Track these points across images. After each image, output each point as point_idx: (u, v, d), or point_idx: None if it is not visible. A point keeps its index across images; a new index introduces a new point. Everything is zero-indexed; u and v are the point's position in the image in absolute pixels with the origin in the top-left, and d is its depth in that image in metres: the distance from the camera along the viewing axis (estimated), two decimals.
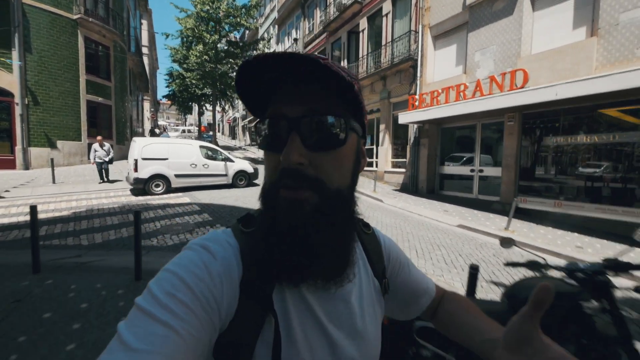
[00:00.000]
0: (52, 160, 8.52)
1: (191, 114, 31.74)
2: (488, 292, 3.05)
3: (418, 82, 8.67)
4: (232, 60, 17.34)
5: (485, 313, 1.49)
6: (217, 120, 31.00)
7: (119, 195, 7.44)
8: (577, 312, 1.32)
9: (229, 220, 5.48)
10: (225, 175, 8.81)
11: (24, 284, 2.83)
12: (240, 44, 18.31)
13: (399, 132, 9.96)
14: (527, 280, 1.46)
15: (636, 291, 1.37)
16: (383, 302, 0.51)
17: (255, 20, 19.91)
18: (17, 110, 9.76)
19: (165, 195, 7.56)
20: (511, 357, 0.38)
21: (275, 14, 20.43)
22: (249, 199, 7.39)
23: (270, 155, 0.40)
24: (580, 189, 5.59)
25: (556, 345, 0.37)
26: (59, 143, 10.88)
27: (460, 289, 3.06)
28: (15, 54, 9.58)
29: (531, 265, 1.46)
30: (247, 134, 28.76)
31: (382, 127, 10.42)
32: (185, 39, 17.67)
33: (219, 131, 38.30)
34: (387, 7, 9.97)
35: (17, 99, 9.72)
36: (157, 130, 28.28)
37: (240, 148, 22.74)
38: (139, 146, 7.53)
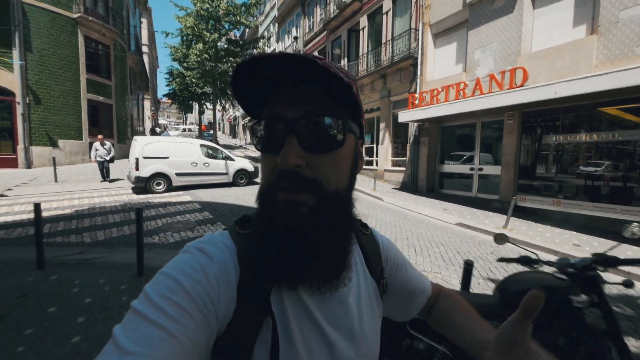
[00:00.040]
0: (54, 159, 8.57)
1: (192, 112, 31.76)
2: (485, 288, 3.09)
3: (418, 80, 8.67)
4: (232, 59, 17.32)
5: (478, 306, 1.53)
6: (218, 119, 31.03)
7: (120, 193, 7.49)
8: (567, 306, 1.35)
9: (229, 218, 5.52)
10: (226, 173, 8.86)
11: (29, 279, 2.89)
12: (241, 43, 18.30)
13: (399, 131, 9.97)
14: (518, 275, 1.50)
15: (625, 285, 1.41)
16: (381, 302, 0.51)
17: (255, 18, 19.86)
18: (19, 110, 9.81)
19: (166, 194, 7.61)
20: (501, 359, 0.39)
21: (275, 12, 20.39)
22: (249, 197, 7.44)
23: (267, 157, 0.40)
24: (580, 187, 5.61)
25: (545, 351, 0.38)
26: (61, 142, 10.93)
27: (458, 285, 3.10)
28: (15, 53, 9.62)
29: (523, 260, 1.50)
30: (247, 132, 28.82)
31: (382, 125, 10.43)
32: (185, 38, 17.66)
33: (219, 130, 38.32)
34: (387, 4, 9.95)
35: (18, 98, 9.76)
36: (157, 129, 28.33)
37: (240, 147, 22.78)
38: (140, 145, 7.58)
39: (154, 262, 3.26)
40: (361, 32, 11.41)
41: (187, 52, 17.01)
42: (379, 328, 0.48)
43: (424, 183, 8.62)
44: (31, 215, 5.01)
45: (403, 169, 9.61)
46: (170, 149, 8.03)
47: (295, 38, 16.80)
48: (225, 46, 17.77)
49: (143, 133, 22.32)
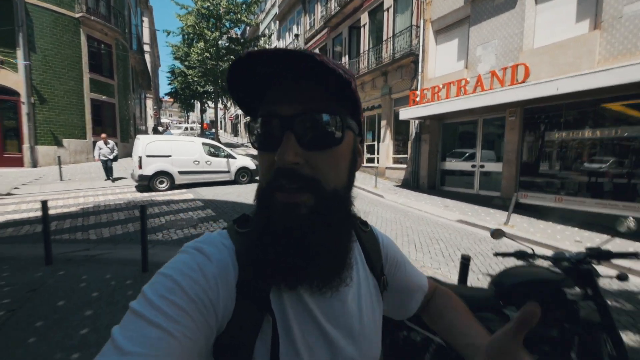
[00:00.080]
0: (59, 158, 8.69)
1: (193, 111, 31.88)
2: (484, 283, 3.12)
3: (419, 77, 8.65)
4: (233, 57, 17.33)
5: (474, 298, 1.57)
6: (219, 117, 31.12)
7: (124, 191, 7.59)
8: (561, 298, 1.38)
9: (231, 215, 5.59)
10: (228, 171, 8.93)
11: (37, 274, 2.97)
12: (241, 41, 18.31)
13: (400, 128, 9.96)
14: (513, 269, 1.54)
15: (618, 279, 1.43)
16: (382, 299, 0.51)
17: (255, 16, 19.83)
18: (24, 109, 9.92)
19: (169, 192, 7.70)
20: None
21: (276, 10, 20.33)
22: (251, 195, 7.40)
23: (264, 155, 0.39)
24: (582, 184, 5.59)
25: None
26: (65, 141, 11.06)
27: (457, 280, 3.13)
28: (20, 53, 9.71)
29: (519, 255, 1.52)
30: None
31: (383, 123, 10.43)
32: (186, 36, 17.70)
33: (221, 128, 38.44)
34: (388, 1, 9.90)
35: (23, 98, 9.87)
36: (160, 128, 28.49)
37: (242, 145, 22.85)
38: (143, 144, 7.66)
39: (158, 258, 3.33)
40: (362, 29, 11.37)
41: (189, 51, 17.05)
42: (379, 325, 0.48)
43: (425, 180, 8.63)
44: (38, 213, 5.12)
45: (404, 166, 9.62)
46: (173, 147, 8.11)
47: (296, 35, 16.77)
48: (227, 44, 17.79)
49: (146, 132, 22.45)
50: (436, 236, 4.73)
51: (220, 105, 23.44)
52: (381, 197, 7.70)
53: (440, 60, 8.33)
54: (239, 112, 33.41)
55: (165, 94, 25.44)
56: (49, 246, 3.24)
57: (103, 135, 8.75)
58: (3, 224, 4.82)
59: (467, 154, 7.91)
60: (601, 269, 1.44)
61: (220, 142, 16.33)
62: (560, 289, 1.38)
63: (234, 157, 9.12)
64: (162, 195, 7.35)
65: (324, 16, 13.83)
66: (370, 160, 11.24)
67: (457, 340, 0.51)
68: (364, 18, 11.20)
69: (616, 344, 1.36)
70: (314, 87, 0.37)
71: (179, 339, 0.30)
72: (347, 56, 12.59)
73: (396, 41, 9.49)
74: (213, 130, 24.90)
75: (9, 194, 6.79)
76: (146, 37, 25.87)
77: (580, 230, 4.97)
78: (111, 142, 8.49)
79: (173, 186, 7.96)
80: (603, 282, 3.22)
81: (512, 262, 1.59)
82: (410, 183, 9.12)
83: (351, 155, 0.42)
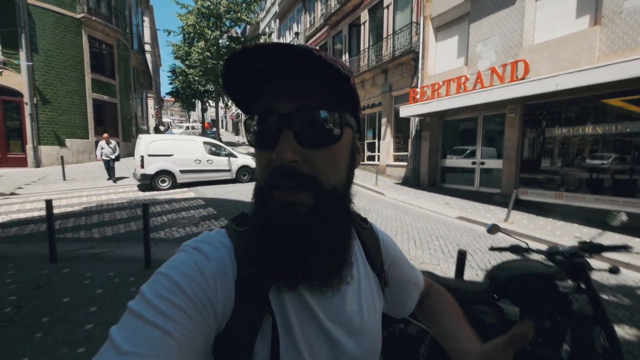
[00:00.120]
0: (62, 158, 8.77)
1: (194, 110, 31.95)
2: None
3: (419, 74, 8.63)
4: None
5: (469, 292, 1.60)
6: (220, 116, 31.19)
7: (126, 191, 7.66)
8: (554, 291, 1.41)
9: (233, 213, 5.64)
10: (229, 170, 8.97)
11: (43, 272, 3.03)
12: (242, 39, 18.30)
13: (400, 126, 9.96)
14: (508, 263, 1.56)
15: (610, 272, 1.46)
16: (382, 296, 0.50)
17: (256, 15, 19.82)
18: (27, 110, 10.01)
19: (171, 191, 7.76)
20: None
21: (276, 8, 20.29)
22: (252, 193, 7.55)
23: (262, 153, 0.39)
24: (582, 180, 5.58)
25: None
26: (68, 141, 11.15)
27: (454, 275, 3.16)
28: (22, 54, 9.78)
29: (514, 249, 1.55)
30: None
31: (383, 120, 10.42)
32: (187, 36, 17.73)
33: (222, 127, 38.52)
34: None
35: (26, 99, 9.96)
36: (161, 128, 28.60)
37: (243, 144, 22.89)
38: (145, 143, 7.71)
39: (161, 255, 3.38)
40: (362, 26, 11.34)
41: (189, 50, 17.09)
42: (380, 322, 0.48)
43: (426, 177, 8.63)
44: (42, 213, 5.19)
45: (405, 163, 9.62)
46: (174, 146, 8.16)
47: (297, 34, 16.75)
48: (227, 43, 17.79)
49: (147, 131, 22.56)
50: (436, 233, 4.75)
51: (221, 104, 23.49)
52: (382, 195, 7.72)
53: (440, 58, 8.30)
54: (240, 111, 33.25)
55: (167, 94, 25.53)
56: (54, 245, 3.30)
57: (105, 135, 8.80)
58: (8, 223, 4.89)
59: (467, 151, 7.90)
60: (595, 262, 1.46)
61: (221, 141, 16.39)
62: (553, 282, 1.41)
63: (235, 156, 9.16)
64: (164, 194, 7.41)
65: (324, 14, 13.79)
66: (371, 158, 11.24)
67: (447, 342, 0.52)
68: (364, 15, 11.17)
69: (609, 336, 1.38)
70: (311, 83, 0.36)
71: (178, 339, 0.30)
72: (347, 54, 12.56)
73: (396, 38, 9.46)
74: (214, 129, 24.96)
75: (13, 193, 6.87)
76: (147, 37, 25.93)
77: (580, 226, 4.98)
78: (113, 142, 8.54)
79: (175, 185, 8.02)
80: (600, 277, 3.26)
81: (510, 257, 1.62)
82: (411, 180, 9.13)
83: (350, 152, 0.41)
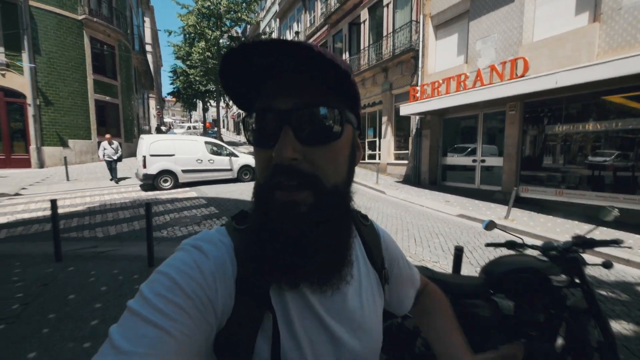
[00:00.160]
0: (65, 158, 8.86)
1: (196, 110, 32.04)
2: None
3: (419, 73, 8.63)
4: None
5: (465, 287, 1.63)
6: (222, 116, 31.27)
7: (129, 191, 7.73)
8: (547, 285, 1.44)
9: (234, 212, 5.65)
10: (230, 169, 9.02)
11: (48, 270, 3.09)
12: (242, 39, 18.34)
13: (401, 124, 9.97)
14: (503, 258, 1.59)
15: (604, 266, 1.48)
16: (383, 293, 0.50)
17: (256, 14, 19.83)
18: (30, 111, 10.10)
19: (173, 190, 7.82)
20: None
21: (276, 7, 20.29)
22: (252, 192, 7.60)
23: (261, 152, 0.38)
24: (582, 177, 5.58)
25: None
26: (71, 142, 11.24)
27: (451, 270, 3.19)
28: (25, 56, 9.87)
29: (509, 244, 1.58)
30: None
31: (384, 119, 10.43)
32: (187, 36, 17.79)
33: (223, 127, 38.61)
34: None
35: (29, 100, 10.05)
36: (163, 128, 28.72)
37: (244, 143, 22.96)
38: (147, 143, 7.78)
39: (163, 254, 3.43)
40: (362, 25, 11.34)
41: (190, 50, 17.15)
42: (380, 319, 0.48)
43: (427, 176, 8.64)
44: (46, 213, 5.27)
45: (406, 162, 9.64)
46: (176, 146, 8.21)
47: (297, 33, 16.75)
48: (228, 43, 17.84)
49: (149, 131, 22.67)
50: (436, 230, 4.78)
51: (222, 104, 23.56)
52: (382, 193, 7.74)
53: (440, 56, 8.30)
54: (242, 113, 33.28)
55: (168, 94, 25.61)
56: (59, 243, 3.36)
57: (107, 135, 8.86)
58: (13, 223, 4.96)
59: (468, 149, 7.90)
60: (595, 258, 1.49)
61: (222, 140, 16.46)
62: (547, 277, 1.44)
63: (236, 155, 9.21)
64: (166, 193, 7.47)
65: (324, 13, 13.79)
66: (372, 157, 11.26)
67: (436, 345, 0.53)
68: (364, 14, 11.16)
69: (603, 330, 1.41)
70: (311, 80, 0.36)
71: (177, 337, 0.30)
72: (347, 53, 12.57)
73: (396, 37, 9.46)
74: (215, 129, 25.04)
75: (17, 194, 6.96)
76: (148, 37, 26.02)
77: (580, 223, 4.99)
78: (115, 143, 8.58)
79: (177, 185, 8.08)
80: (599, 273, 3.28)
81: (507, 253, 1.65)
82: (412, 179, 9.15)
83: (350, 149, 0.41)
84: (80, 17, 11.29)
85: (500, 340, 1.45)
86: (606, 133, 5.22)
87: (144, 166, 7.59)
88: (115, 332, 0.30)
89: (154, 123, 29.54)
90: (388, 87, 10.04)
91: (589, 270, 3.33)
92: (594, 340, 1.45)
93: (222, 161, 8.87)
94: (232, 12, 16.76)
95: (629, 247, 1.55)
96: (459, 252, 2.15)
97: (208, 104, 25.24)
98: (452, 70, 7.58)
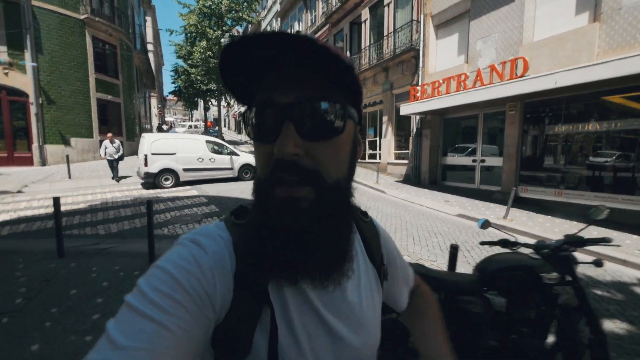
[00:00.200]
0: (67, 156, 8.93)
1: (197, 109, 32.12)
2: None
3: (420, 72, 8.64)
4: None
5: (459, 284, 1.66)
6: (223, 115, 31.34)
7: (130, 189, 7.78)
8: (539, 283, 1.46)
9: None
10: (231, 168, 9.06)
11: (51, 266, 3.14)
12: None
13: (401, 124, 9.98)
14: (496, 256, 1.62)
15: (595, 265, 1.51)
16: (381, 289, 0.50)
17: (257, 14, 19.85)
18: (32, 110, 10.17)
19: (174, 189, 7.87)
20: None
21: (277, 7, 20.31)
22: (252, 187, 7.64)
23: (261, 147, 0.37)
24: (582, 177, 5.59)
25: None
26: (73, 140, 11.32)
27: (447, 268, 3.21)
28: (27, 55, 9.93)
29: (503, 243, 1.60)
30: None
31: (385, 119, 10.45)
32: (188, 35, 17.85)
33: (224, 126, 38.68)
34: None
35: (31, 99, 10.12)
36: (164, 127, 28.81)
37: (245, 142, 23.01)
38: (148, 142, 7.83)
39: (164, 251, 3.39)
40: (363, 24, 11.35)
41: (191, 50, 17.21)
42: (379, 315, 0.48)
43: (427, 175, 8.66)
44: (49, 210, 5.32)
45: (406, 161, 9.65)
46: (178, 145, 8.26)
47: (298, 32, 16.75)
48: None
49: (151, 130, 22.76)
50: (435, 230, 4.80)
51: (223, 103, 23.62)
52: (382, 193, 7.77)
53: (440, 55, 8.31)
54: (242, 109, 33.38)
55: (169, 93, 25.69)
56: (61, 240, 3.41)
57: (109, 134, 8.90)
58: (16, 220, 5.02)
59: (469, 149, 7.91)
60: (591, 257, 1.51)
61: (223, 139, 16.51)
62: (539, 274, 1.46)
63: (237, 154, 9.25)
64: (167, 192, 7.52)
65: (325, 12, 13.81)
66: (372, 156, 11.28)
67: (421, 346, 0.55)
68: (365, 14, 11.17)
69: (593, 327, 1.43)
70: (313, 73, 0.35)
71: (174, 332, 0.30)
72: (348, 52, 12.57)
73: (397, 36, 9.47)
74: (217, 128, 25.11)
75: (20, 191, 7.02)
76: (149, 37, 26.08)
77: (579, 223, 4.99)
78: (117, 142, 8.62)
79: (178, 183, 8.12)
80: (595, 273, 3.29)
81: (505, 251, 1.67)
82: (412, 178, 9.16)
83: (352, 144, 0.40)
84: (82, 17, 11.34)
85: (492, 337, 1.48)
86: (606, 134, 5.22)
87: (146, 164, 7.64)
88: (113, 327, 0.29)
89: (155, 122, 29.63)
90: (389, 87, 10.05)
91: (586, 270, 3.37)
92: (585, 337, 1.48)
93: (223, 160, 8.92)
94: (233, 12, 16.80)
95: (618, 245, 1.57)
96: (454, 251, 2.19)
97: (209, 103, 25.31)
98: (452, 70, 7.59)
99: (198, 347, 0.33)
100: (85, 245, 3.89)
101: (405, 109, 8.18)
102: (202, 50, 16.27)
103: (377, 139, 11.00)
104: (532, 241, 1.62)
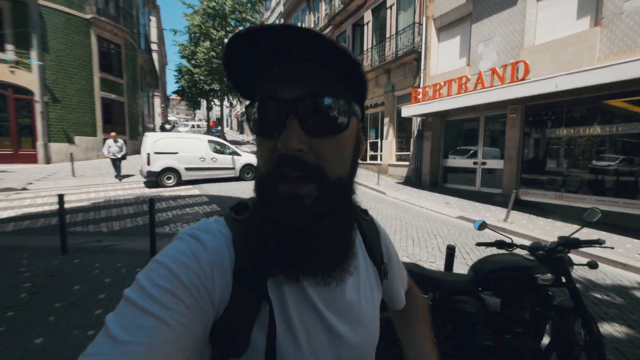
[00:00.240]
0: (71, 154, 9.03)
1: (200, 109, 32.29)
2: None
3: (422, 74, 8.67)
4: None
5: (453, 283, 1.69)
6: (225, 115, 31.48)
7: (133, 187, 7.85)
8: (533, 283, 1.48)
9: None
10: (233, 168, 9.12)
11: (55, 262, 3.20)
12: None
13: (403, 126, 10.00)
14: (491, 257, 1.64)
15: (589, 266, 1.53)
16: (381, 287, 0.50)
17: (261, 15, 19.97)
18: (38, 108, 10.29)
19: (176, 188, 7.93)
20: None
21: (280, 8, 20.43)
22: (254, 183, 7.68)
23: (264, 142, 0.37)
24: (583, 181, 5.59)
25: None
26: (77, 138, 11.43)
27: (444, 268, 3.23)
28: (33, 54, 10.06)
29: (498, 244, 1.62)
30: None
31: (386, 120, 10.47)
32: (192, 35, 17.98)
33: (227, 126, 38.82)
34: None
35: (37, 97, 10.24)
36: (167, 126, 28.97)
37: (247, 142, 23.10)
38: (151, 141, 7.90)
39: None
40: (365, 26, 11.40)
41: (195, 50, 17.33)
42: (378, 313, 0.48)
43: (428, 177, 8.67)
44: (53, 207, 5.39)
45: (407, 163, 9.67)
46: (180, 144, 8.33)
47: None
48: None
49: (154, 129, 22.89)
50: (434, 232, 4.82)
51: (226, 103, 23.73)
52: (383, 194, 7.78)
53: (442, 58, 8.33)
54: (245, 110, 33.40)
55: (173, 92, 25.84)
56: (65, 237, 3.46)
57: (113, 133, 8.98)
58: (20, 216, 5.09)
59: (471, 152, 7.92)
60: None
61: (225, 139, 16.58)
62: (533, 275, 1.48)
63: (238, 154, 9.31)
64: (169, 190, 7.58)
65: (328, 14, 13.87)
66: (373, 158, 11.31)
67: (408, 349, 0.56)
68: (368, 16, 11.22)
69: (588, 329, 1.45)
70: (318, 69, 0.35)
71: (173, 327, 0.30)
72: None
73: (399, 39, 9.51)
74: (219, 127, 25.23)
75: (24, 189, 7.11)
76: (154, 36, 26.26)
77: (577, 227, 4.99)
78: (120, 141, 8.67)
79: (180, 182, 8.19)
80: (596, 277, 3.30)
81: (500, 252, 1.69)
82: (413, 180, 9.17)
83: (355, 141, 0.40)
84: (88, 17, 11.48)
85: (487, 337, 1.50)
86: (608, 137, 5.22)
87: (148, 163, 7.71)
88: (112, 321, 0.29)
89: (158, 121, 29.78)
90: (390, 89, 10.08)
91: (586, 274, 3.37)
92: (582, 339, 1.49)
93: (224, 160, 8.98)
94: (237, 12, 16.91)
95: (611, 247, 1.59)
96: (450, 251, 2.21)
97: (212, 103, 25.44)
98: (453, 72, 7.61)
99: (197, 342, 0.33)
100: (89, 242, 3.95)
101: (407, 110, 8.21)
102: (205, 51, 16.38)
103: (379, 140, 11.03)
104: (528, 243, 1.64)
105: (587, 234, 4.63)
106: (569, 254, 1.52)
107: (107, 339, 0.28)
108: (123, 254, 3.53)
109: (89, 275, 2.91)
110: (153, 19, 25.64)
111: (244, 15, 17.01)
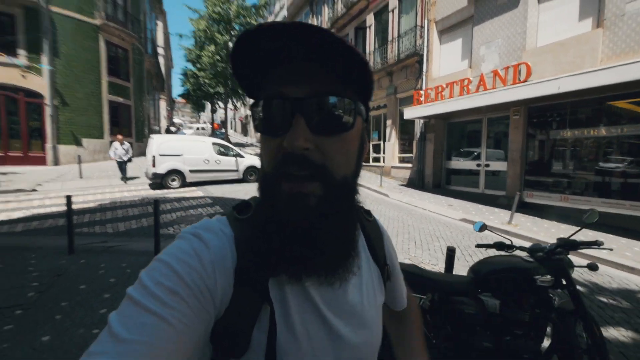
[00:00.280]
0: (79, 157, 9.21)
1: (204, 112, 32.61)
2: None
3: (424, 77, 8.68)
4: None
5: (453, 284, 1.70)
6: (230, 117, 31.75)
7: (138, 189, 7.98)
8: (532, 285, 1.48)
9: None
10: (236, 170, 9.21)
11: (61, 262, 3.27)
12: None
13: (405, 128, 10.00)
14: (490, 258, 1.65)
15: (589, 268, 1.53)
16: (384, 289, 0.50)
17: (265, 19, 20.22)
18: (47, 111, 10.53)
19: (180, 189, 8.04)
20: None
21: (284, 12, 20.66)
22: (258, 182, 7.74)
23: (269, 140, 0.37)
24: (588, 183, 5.52)
25: None
26: (85, 141, 11.65)
27: (444, 270, 3.22)
28: (44, 58, 10.32)
29: (499, 246, 1.62)
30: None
31: (389, 122, 10.48)
32: (198, 40, 18.27)
33: (231, 128, 39.15)
34: (393, 2, 9.97)
35: (47, 101, 10.49)
36: (172, 128, 29.31)
37: (251, 145, 23.26)
38: (157, 143, 8.03)
39: None
40: (368, 30, 11.46)
41: (200, 54, 17.59)
42: (380, 315, 0.48)
43: (430, 179, 8.64)
44: (60, 208, 5.50)
45: (410, 165, 9.65)
46: (185, 147, 8.45)
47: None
48: None
49: (159, 132, 23.19)
50: (437, 234, 4.80)
51: (230, 106, 23.97)
52: (386, 196, 7.77)
53: (444, 60, 8.34)
54: (249, 112, 33.65)
55: (178, 95, 26.19)
56: (72, 237, 3.54)
57: (119, 136, 9.12)
58: (29, 217, 5.21)
59: (474, 154, 7.88)
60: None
61: (229, 141, 16.72)
62: (532, 277, 1.48)
63: (242, 156, 9.40)
64: (174, 192, 7.68)
65: (331, 18, 13.99)
66: (376, 160, 11.30)
67: (398, 351, 0.56)
68: (370, 19, 11.29)
69: (590, 331, 1.44)
70: (324, 68, 0.35)
71: (175, 326, 0.30)
72: None
73: (401, 41, 9.55)
74: (223, 130, 25.46)
75: (33, 190, 7.27)
76: (160, 41, 26.69)
77: (584, 230, 4.92)
78: (126, 144, 8.78)
79: (184, 184, 8.29)
80: (602, 280, 3.26)
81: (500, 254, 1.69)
82: (416, 182, 9.15)
83: (360, 140, 0.40)
84: (97, 22, 11.75)
85: (486, 338, 1.50)
86: (613, 139, 5.16)
87: (153, 165, 7.83)
88: (115, 319, 0.29)
89: (164, 124, 30.16)
90: (393, 91, 10.10)
91: (592, 277, 3.32)
92: (583, 342, 1.48)
93: (228, 162, 9.07)
94: (241, 17, 17.15)
95: (610, 249, 1.59)
96: (451, 253, 2.22)
97: (216, 106, 25.70)
98: (456, 74, 7.61)
99: (199, 341, 0.33)
100: (94, 242, 4.02)
101: (409, 112, 8.21)
102: (210, 55, 16.63)
103: (381, 142, 11.03)
104: (524, 243, 1.64)
105: (592, 236, 4.58)
106: (568, 256, 1.52)
107: (109, 338, 0.28)
108: (128, 254, 3.60)
109: (94, 275, 2.97)
110: (160, 23, 26.09)
111: (248, 19, 17.25)
